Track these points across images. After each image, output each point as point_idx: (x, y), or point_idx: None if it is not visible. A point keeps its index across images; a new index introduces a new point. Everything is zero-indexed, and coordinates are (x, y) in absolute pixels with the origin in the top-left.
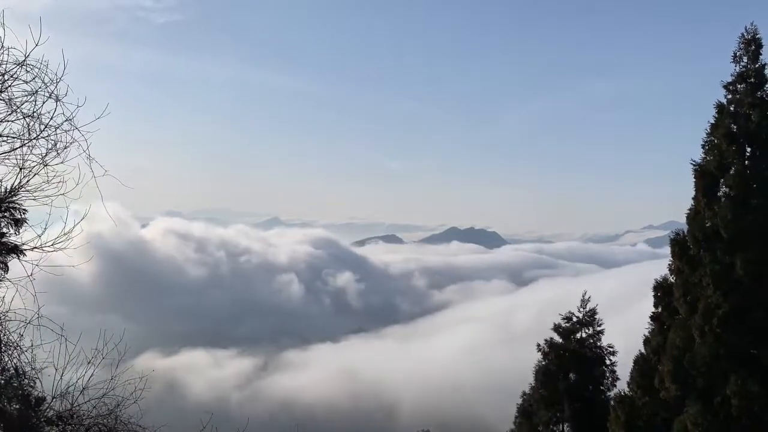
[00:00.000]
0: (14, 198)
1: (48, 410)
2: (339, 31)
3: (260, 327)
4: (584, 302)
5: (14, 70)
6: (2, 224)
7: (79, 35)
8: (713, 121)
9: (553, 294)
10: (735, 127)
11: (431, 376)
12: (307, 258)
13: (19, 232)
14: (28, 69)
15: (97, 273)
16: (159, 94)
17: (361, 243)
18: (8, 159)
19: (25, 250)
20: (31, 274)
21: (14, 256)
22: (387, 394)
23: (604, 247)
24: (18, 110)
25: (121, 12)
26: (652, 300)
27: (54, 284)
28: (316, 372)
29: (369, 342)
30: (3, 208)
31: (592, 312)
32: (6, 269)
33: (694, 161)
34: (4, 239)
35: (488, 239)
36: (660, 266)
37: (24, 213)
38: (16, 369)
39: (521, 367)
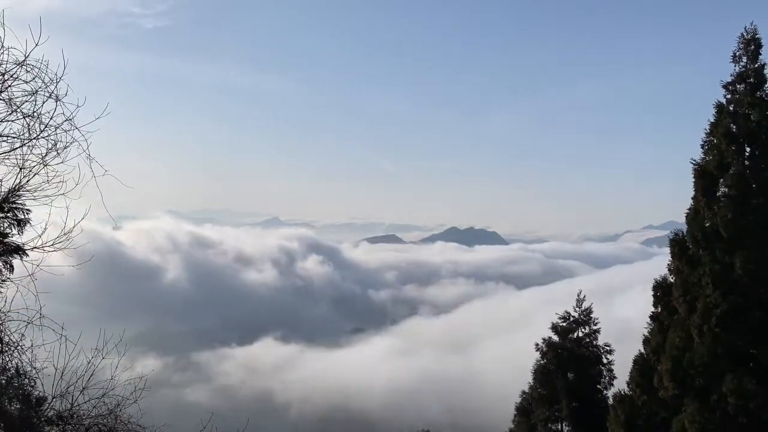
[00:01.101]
0: (17, 198)
1: (48, 410)
2: (330, 34)
3: (204, 325)
4: (579, 302)
5: (14, 70)
6: (5, 224)
7: (69, 39)
8: (713, 121)
9: (502, 301)
10: (734, 126)
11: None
12: (277, 256)
13: (22, 232)
14: (28, 69)
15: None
16: (160, 96)
17: (357, 243)
18: (8, 159)
19: (26, 250)
20: (32, 274)
21: (17, 256)
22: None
23: (594, 246)
24: (18, 110)
25: (112, 17)
26: (616, 300)
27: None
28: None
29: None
30: (6, 209)
31: (588, 311)
32: (11, 269)
33: (694, 161)
34: (7, 239)
35: (488, 239)
36: (646, 266)
37: (27, 213)
38: (17, 369)
39: (411, 377)
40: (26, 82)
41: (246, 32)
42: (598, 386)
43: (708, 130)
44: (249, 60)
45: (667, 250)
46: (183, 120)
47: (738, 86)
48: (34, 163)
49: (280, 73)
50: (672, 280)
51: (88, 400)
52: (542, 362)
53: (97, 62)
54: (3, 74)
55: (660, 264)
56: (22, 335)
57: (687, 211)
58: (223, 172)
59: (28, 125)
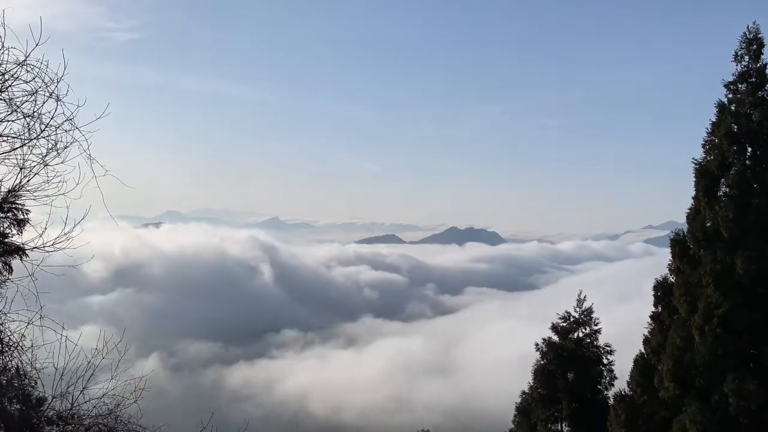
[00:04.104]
0: (16, 198)
1: (48, 410)
2: (312, 38)
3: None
4: (580, 302)
5: (14, 69)
6: (5, 225)
7: (50, 50)
8: (714, 121)
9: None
10: (736, 126)
11: None
12: (219, 257)
13: (22, 232)
14: (28, 69)
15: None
16: (158, 100)
17: (360, 243)
18: (8, 159)
19: (26, 250)
20: (32, 274)
21: (17, 256)
22: None
23: (577, 246)
24: (18, 110)
25: (87, 32)
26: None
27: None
28: None
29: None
30: (5, 209)
31: (589, 311)
32: (10, 270)
33: (695, 160)
34: (7, 240)
35: (487, 239)
36: (627, 267)
37: (27, 213)
38: (17, 369)
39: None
40: (26, 82)
41: (220, 44)
42: (599, 386)
43: (709, 130)
44: (226, 68)
45: (649, 249)
46: (178, 123)
47: (740, 86)
48: (34, 163)
49: (247, 82)
50: (673, 280)
51: (88, 400)
52: (542, 362)
53: (83, 72)
54: (3, 74)
55: (639, 264)
56: (23, 335)
57: (687, 210)
58: (223, 173)
59: (28, 125)
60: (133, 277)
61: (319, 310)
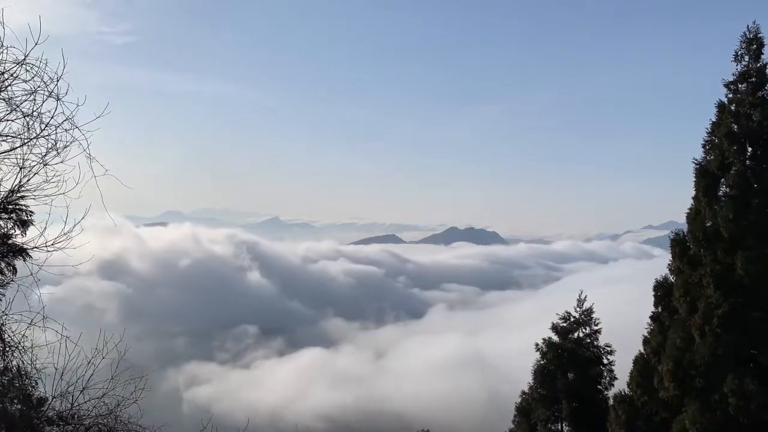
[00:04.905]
0: (19, 199)
1: (49, 410)
2: (306, 39)
3: None
4: (580, 302)
5: (14, 69)
6: (8, 226)
7: (49, 51)
8: (714, 121)
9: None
10: (736, 126)
11: None
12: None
13: (25, 233)
14: (28, 68)
15: None
16: (157, 101)
17: (359, 243)
18: (8, 158)
19: (28, 250)
20: (33, 274)
21: (21, 257)
22: None
23: (570, 246)
24: (18, 109)
25: (82, 36)
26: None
27: None
28: None
29: None
30: (9, 210)
31: (589, 312)
32: (14, 272)
33: (696, 160)
34: (10, 240)
35: (486, 238)
36: (618, 268)
37: (30, 215)
38: (18, 369)
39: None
40: (26, 81)
41: (219, 45)
42: (599, 386)
43: (709, 130)
44: (226, 69)
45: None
46: (179, 125)
47: (740, 85)
48: (34, 163)
49: (241, 84)
50: (673, 280)
51: (88, 400)
52: (542, 362)
53: (80, 75)
54: (3, 73)
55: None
56: (23, 336)
57: (687, 211)
58: (223, 173)
59: (28, 124)
60: (106, 272)
61: (284, 307)
